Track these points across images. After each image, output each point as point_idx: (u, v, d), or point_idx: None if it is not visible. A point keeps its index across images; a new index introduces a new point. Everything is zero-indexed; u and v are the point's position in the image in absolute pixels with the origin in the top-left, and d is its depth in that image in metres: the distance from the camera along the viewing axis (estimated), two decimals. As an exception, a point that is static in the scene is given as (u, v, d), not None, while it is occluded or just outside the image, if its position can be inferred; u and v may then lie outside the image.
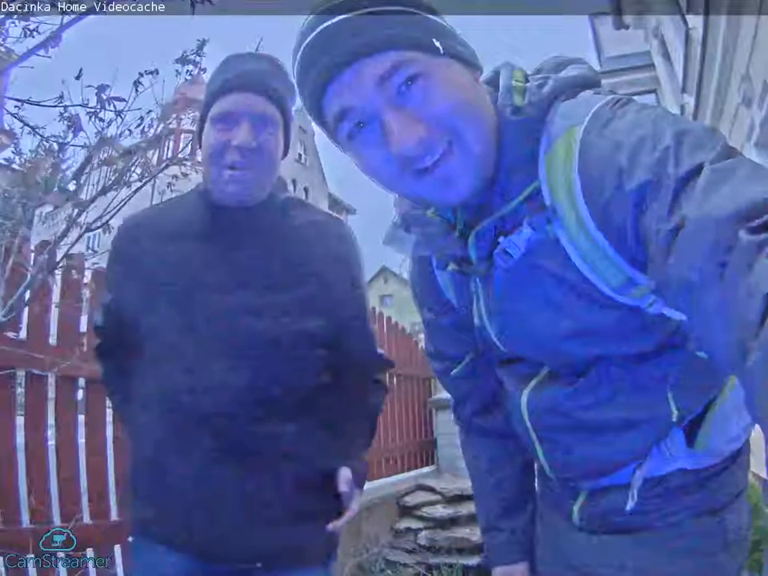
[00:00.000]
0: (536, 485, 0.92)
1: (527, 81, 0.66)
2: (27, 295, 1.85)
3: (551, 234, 0.62)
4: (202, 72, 2.40)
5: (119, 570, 1.88)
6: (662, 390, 0.68)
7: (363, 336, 1.15)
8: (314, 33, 0.57)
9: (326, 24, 0.57)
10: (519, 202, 0.64)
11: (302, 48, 0.59)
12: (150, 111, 2.27)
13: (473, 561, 3.09)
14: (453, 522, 3.49)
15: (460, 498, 3.62)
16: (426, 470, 4.43)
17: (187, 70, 2.37)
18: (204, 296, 1.00)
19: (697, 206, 0.42)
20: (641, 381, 0.68)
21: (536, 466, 0.87)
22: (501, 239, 0.65)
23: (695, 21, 5.24)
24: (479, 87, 0.63)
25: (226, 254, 1.03)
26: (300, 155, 27.84)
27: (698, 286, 0.40)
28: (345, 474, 1.02)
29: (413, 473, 4.19)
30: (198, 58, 2.36)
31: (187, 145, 3.23)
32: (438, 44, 0.58)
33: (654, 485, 0.71)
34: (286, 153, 1.10)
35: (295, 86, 0.64)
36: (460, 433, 0.98)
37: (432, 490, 3.79)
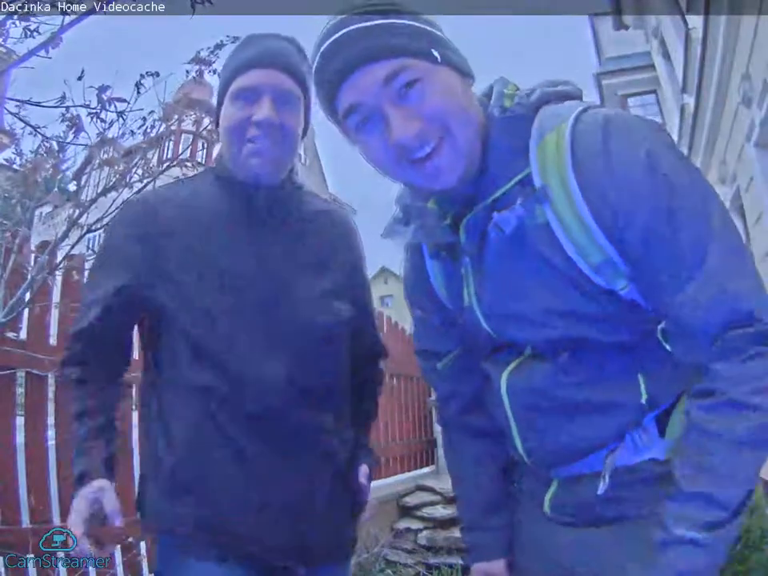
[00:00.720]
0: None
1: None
2: (27, 296, 1.85)
3: (541, 217, 0.68)
4: (212, 73, 2.37)
5: (119, 569, 1.88)
6: (635, 374, 0.72)
7: (373, 323, 1.18)
8: (331, 39, 0.68)
9: (341, 32, 0.67)
10: (511, 186, 0.71)
11: (319, 52, 0.69)
12: (152, 112, 2.26)
13: (473, 561, 3.09)
14: (453, 522, 3.48)
15: (460, 499, 3.62)
16: (425, 470, 4.43)
17: (197, 70, 2.36)
18: (236, 281, 0.96)
19: (706, 288, 0.62)
20: (618, 364, 0.72)
21: (514, 457, 0.87)
22: (494, 215, 0.71)
23: (695, 21, 5.24)
24: (470, 93, 0.73)
25: (250, 234, 1.00)
26: (300, 155, 27.90)
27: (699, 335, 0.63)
28: (364, 467, 1.03)
29: (413, 473, 4.19)
30: (214, 58, 2.32)
31: (188, 146, 3.24)
32: (436, 53, 0.68)
33: (626, 473, 0.72)
34: (305, 132, 1.07)
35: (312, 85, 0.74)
36: (443, 431, 0.99)
37: (432, 490, 3.79)
